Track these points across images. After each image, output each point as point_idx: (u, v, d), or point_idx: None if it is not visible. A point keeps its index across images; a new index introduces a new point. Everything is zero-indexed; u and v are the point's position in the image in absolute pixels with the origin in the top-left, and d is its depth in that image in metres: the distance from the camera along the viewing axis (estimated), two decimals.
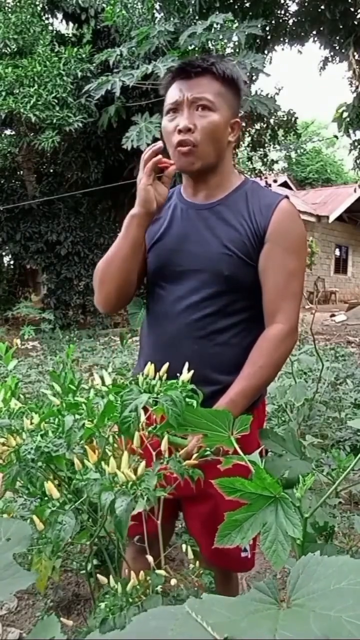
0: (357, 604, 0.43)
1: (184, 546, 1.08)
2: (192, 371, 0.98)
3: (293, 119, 11.43)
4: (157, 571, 0.94)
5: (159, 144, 1.24)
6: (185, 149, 1.27)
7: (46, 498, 0.88)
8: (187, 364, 1.00)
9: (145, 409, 0.92)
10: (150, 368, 0.97)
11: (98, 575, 0.96)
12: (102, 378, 0.98)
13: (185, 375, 0.96)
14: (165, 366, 0.98)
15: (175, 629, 0.40)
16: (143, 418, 0.90)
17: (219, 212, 1.33)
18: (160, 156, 1.23)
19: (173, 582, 0.95)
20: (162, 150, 1.25)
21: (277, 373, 1.33)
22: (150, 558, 0.99)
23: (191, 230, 1.34)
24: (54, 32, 10.53)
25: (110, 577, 0.93)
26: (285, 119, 11.37)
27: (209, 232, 1.32)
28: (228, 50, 9.00)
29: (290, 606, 0.46)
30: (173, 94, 1.31)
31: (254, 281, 1.30)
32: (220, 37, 7.91)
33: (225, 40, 8.32)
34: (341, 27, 8.01)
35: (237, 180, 1.39)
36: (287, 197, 1.35)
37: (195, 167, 1.31)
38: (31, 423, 0.95)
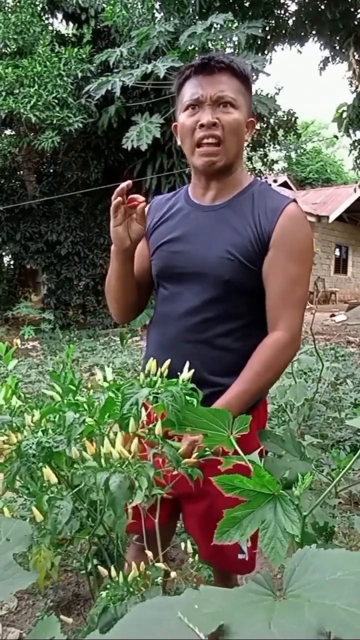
0: (352, 592, 0.44)
1: (182, 544, 1.08)
2: (192, 370, 0.98)
3: (293, 119, 11.44)
4: (157, 564, 0.95)
5: (127, 183, 1.20)
6: (210, 149, 1.25)
7: (45, 485, 0.89)
8: (187, 364, 1.00)
9: (146, 407, 0.92)
10: (152, 364, 0.97)
11: (99, 567, 0.97)
12: (104, 374, 0.99)
13: (186, 374, 0.96)
14: (167, 362, 0.98)
15: (173, 619, 0.41)
16: (144, 416, 0.90)
17: (224, 214, 1.31)
18: (120, 199, 1.20)
19: (173, 574, 0.96)
20: (131, 188, 1.21)
21: (275, 380, 1.31)
22: (149, 553, 0.99)
23: (195, 233, 1.32)
24: (54, 32, 10.53)
25: (112, 568, 0.93)
26: (285, 119, 11.38)
27: (212, 235, 1.30)
28: (228, 51, 9.01)
29: (286, 597, 0.46)
30: (193, 89, 1.27)
31: (256, 286, 1.28)
32: (220, 37, 7.93)
33: (225, 41, 8.33)
34: (341, 27, 8.01)
35: (246, 180, 1.36)
36: (294, 200, 1.31)
37: (217, 165, 1.28)
38: (32, 420, 0.95)
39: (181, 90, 1.32)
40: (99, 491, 0.83)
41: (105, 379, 0.98)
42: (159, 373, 0.96)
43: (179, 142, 1.37)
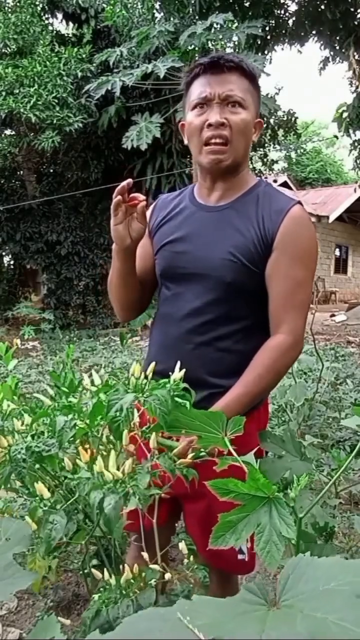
0: (345, 605, 0.43)
1: (180, 544, 1.08)
2: (184, 370, 0.98)
3: (293, 119, 11.44)
4: (152, 566, 0.95)
5: (127, 181, 1.19)
6: (217, 147, 1.25)
7: (38, 498, 0.89)
8: (178, 363, 1.00)
9: (138, 408, 0.91)
10: (136, 368, 0.97)
11: (93, 570, 0.96)
12: (91, 379, 0.98)
13: (177, 374, 0.96)
14: (152, 365, 0.98)
15: (165, 630, 0.40)
16: (136, 418, 0.90)
17: (228, 215, 1.30)
18: (120, 197, 1.20)
19: (167, 576, 0.95)
20: (131, 187, 1.21)
21: (276, 382, 1.30)
22: (145, 555, 0.99)
23: (198, 233, 1.32)
24: (54, 32, 10.54)
25: (105, 570, 0.93)
26: (285, 119, 11.38)
27: (215, 236, 1.29)
28: (228, 51, 9.01)
29: (280, 607, 0.46)
30: (201, 88, 1.26)
31: (259, 288, 1.27)
32: (220, 37, 7.93)
33: (225, 40, 8.33)
34: (341, 27, 8.02)
35: (252, 181, 1.35)
36: (299, 202, 1.30)
37: (224, 164, 1.27)
38: (22, 424, 0.94)
39: (189, 89, 1.31)
40: (89, 504, 0.82)
41: (93, 383, 0.97)
42: (142, 377, 0.95)
43: (185, 141, 1.36)
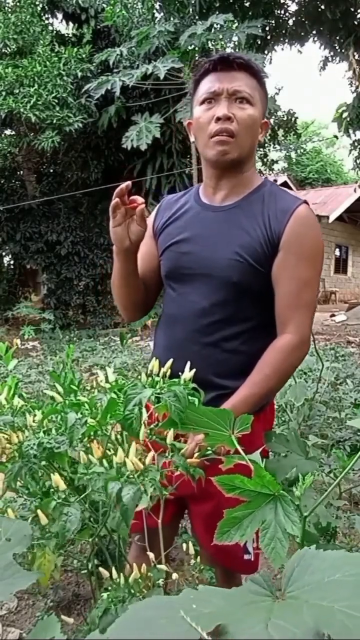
0: (351, 594, 0.44)
1: (184, 545, 1.07)
2: (194, 370, 0.98)
3: (293, 119, 11.45)
4: (158, 566, 0.95)
5: (126, 184, 1.19)
6: (223, 138, 1.25)
7: (52, 490, 0.89)
8: (188, 364, 1.00)
9: (147, 407, 0.92)
10: (154, 364, 0.97)
11: (100, 569, 0.96)
12: (105, 375, 0.98)
13: (187, 373, 0.96)
14: (169, 362, 0.98)
15: (170, 618, 0.40)
16: (145, 416, 0.90)
17: (234, 215, 1.30)
18: (118, 200, 1.19)
19: (174, 576, 0.95)
20: (130, 189, 1.21)
21: (284, 383, 1.30)
22: (151, 555, 0.99)
23: (204, 234, 1.32)
24: (54, 32, 10.54)
25: (113, 569, 0.93)
26: (285, 119, 11.39)
27: (221, 236, 1.29)
28: (228, 51, 9.01)
29: (285, 598, 0.46)
30: (211, 84, 1.27)
31: (265, 288, 1.27)
32: (220, 37, 7.94)
33: (225, 41, 8.34)
34: (341, 27, 8.02)
35: (257, 181, 1.35)
36: (305, 201, 1.30)
37: (229, 158, 1.27)
38: (34, 420, 0.95)
39: (198, 86, 1.31)
40: (106, 496, 0.82)
41: (107, 380, 0.97)
42: (161, 373, 0.95)
43: (192, 138, 1.36)
